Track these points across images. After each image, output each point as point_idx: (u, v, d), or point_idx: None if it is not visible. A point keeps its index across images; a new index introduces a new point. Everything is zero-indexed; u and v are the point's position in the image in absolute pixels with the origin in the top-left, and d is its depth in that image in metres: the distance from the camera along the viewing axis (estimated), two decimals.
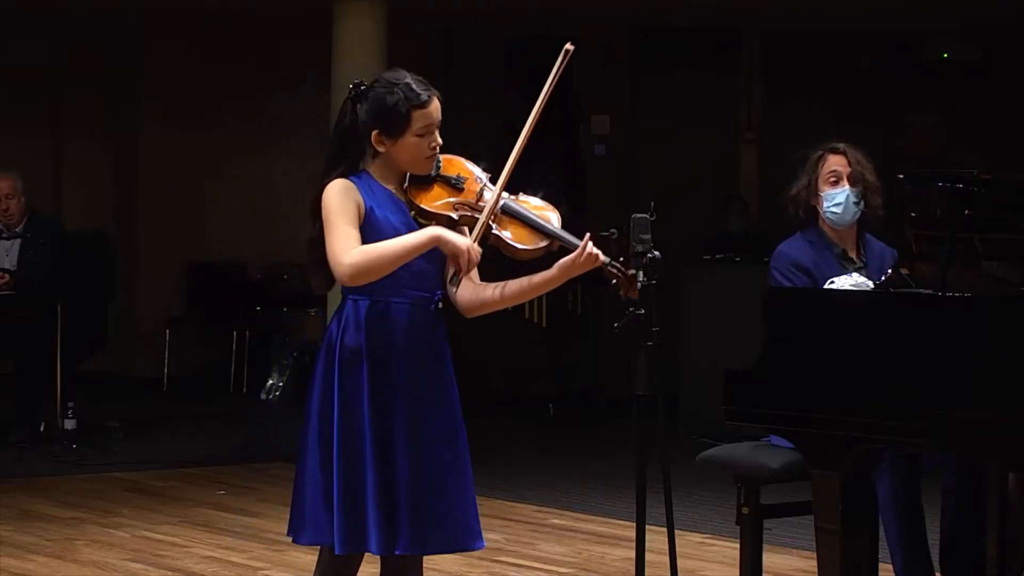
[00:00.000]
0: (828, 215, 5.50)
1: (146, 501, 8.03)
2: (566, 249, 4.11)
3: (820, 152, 5.56)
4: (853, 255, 5.52)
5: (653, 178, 12.79)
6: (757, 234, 12.42)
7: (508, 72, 12.93)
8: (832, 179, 5.49)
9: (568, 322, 11.74)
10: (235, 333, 12.59)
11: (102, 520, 7.50)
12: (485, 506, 7.85)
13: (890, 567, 5.45)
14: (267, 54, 13.19)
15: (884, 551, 5.33)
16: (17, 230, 9.79)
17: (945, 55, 13.40)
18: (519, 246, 4.11)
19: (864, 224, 5.56)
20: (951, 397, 4.38)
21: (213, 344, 12.93)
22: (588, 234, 4.12)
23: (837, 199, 5.47)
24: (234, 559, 6.67)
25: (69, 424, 9.32)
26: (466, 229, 4.13)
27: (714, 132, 13.33)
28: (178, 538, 7.12)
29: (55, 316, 9.45)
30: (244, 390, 12.43)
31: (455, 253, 4.00)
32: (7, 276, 9.60)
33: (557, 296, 11.21)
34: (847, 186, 5.47)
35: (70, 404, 9.34)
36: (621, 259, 4.15)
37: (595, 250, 4.08)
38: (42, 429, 9.63)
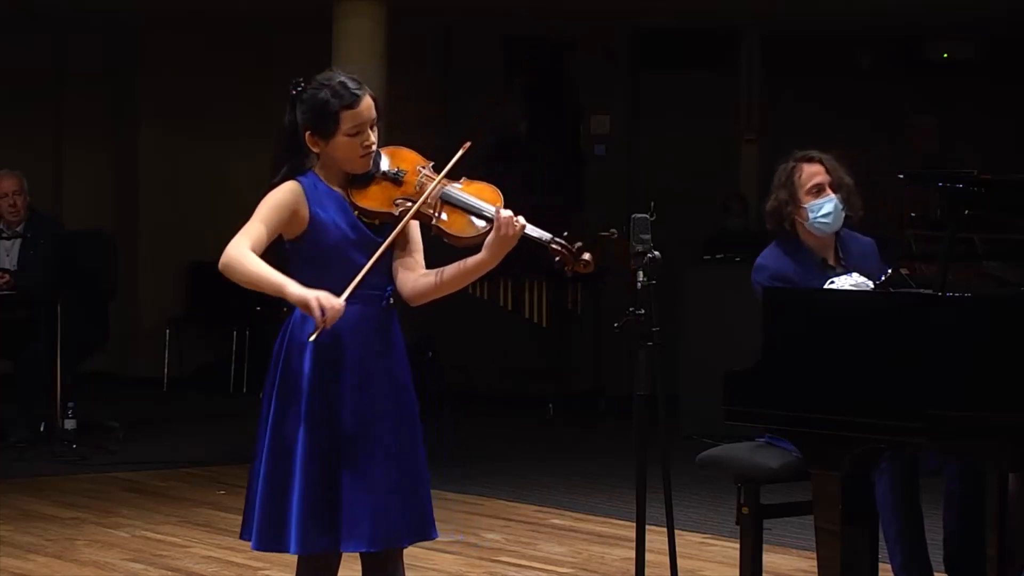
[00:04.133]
0: (816, 224, 5.45)
1: (146, 501, 8.03)
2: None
3: (792, 164, 5.51)
4: (832, 262, 5.51)
5: (653, 178, 12.79)
6: (757, 234, 12.41)
7: (508, 72, 12.93)
8: (815, 189, 5.46)
9: (568, 322, 11.73)
10: (235, 333, 12.59)
11: (102, 520, 7.50)
12: (485, 506, 7.91)
13: (890, 567, 5.45)
14: (267, 54, 13.18)
15: (884, 551, 5.33)
16: (18, 229, 9.80)
17: (945, 55, 13.40)
18: (459, 234, 4.09)
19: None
20: (951, 397, 4.38)
21: (213, 344, 12.93)
22: (498, 206, 4.05)
23: (825, 208, 5.44)
24: (234, 559, 6.67)
25: (69, 424, 9.32)
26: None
27: (714, 132, 13.33)
28: (178, 538, 7.12)
29: (55, 316, 9.46)
30: (244, 390, 12.41)
31: (299, 303, 3.97)
32: (7, 276, 9.60)
33: (557, 296, 11.21)
34: (831, 194, 5.45)
35: (70, 404, 9.35)
36: (565, 233, 4.09)
37: (508, 215, 4.02)
38: (42, 429, 9.63)
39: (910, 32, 13.01)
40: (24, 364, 9.66)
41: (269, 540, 4.07)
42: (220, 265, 4.08)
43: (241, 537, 4.19)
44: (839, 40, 13.09)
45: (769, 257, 5.52)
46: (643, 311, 4.51)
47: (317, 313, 3.92)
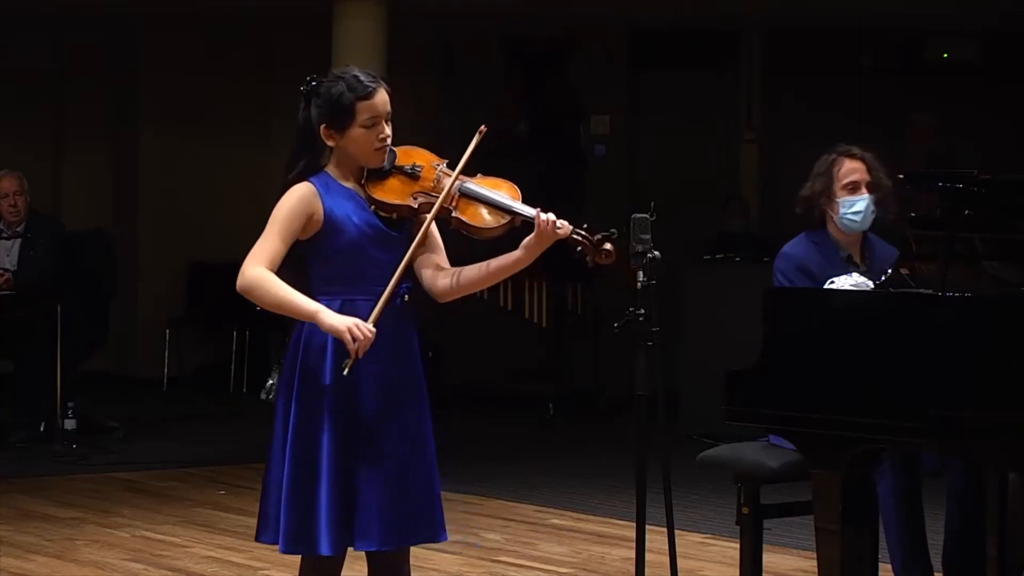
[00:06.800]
0: (845, 221, 5.45)
1: (146, 501, 8.03)
2: (529, 223, 4.10)
3: (835, 156, 5.49)
4: (857, 259, 5.50)
5: (653, 178, 12.79)
6: (757, 234, 12.41)
7: (508, 72, 12.93)
8: (851, 187, 5.44)
9: (568, 322, 11.73)
10: (235, 333, 12.59)
11: (102, 520, 7.50)
12: (485, 506, 7.91)
13: (890, 567, 5.45)
14: (267, 54, 13.18)
15: (884, 551, 5.33)
16: (18, 229, 9.80)
17: (945, 55, 13.39)
18: (481, 227, 4.11)
19: (871, 227, 5.54)
20: (951, 397, 4.38)
21: (213, 344, 12.93)
22: (539, 208, 4.08)
23: (856, 207, 5.43)
24: (234, 559, 6.68)
25: (69, 424, 9.33)
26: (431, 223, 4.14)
27: (714, 132, 13.33)
28: (178, 538, 7.12)
29: (55, 316, 9.45)
30: (244, 390, 12.42)
31: (332, 333, 3.99)
32: (7, 276, 9.60)
33: (557, 296, 11.22)
34: (866, 193, 5.44)
35: (70, 404, 9.35)
36: (585, 225, 4.12)
37: (550, 217, 4.05)
38: (42, 429, 9.63)
39: (910, 32, 13.01)
40: (24, 364, 9.66)
41: (297, 542, 4.06)
42: (240, 288, 4.11)
43: (259, 539, 4.17)
44: (840, 40, 13.09)
45: (796, 246, 5.53)
46: (643, 311, 4.51)
47: (352, 344, 3.95)
